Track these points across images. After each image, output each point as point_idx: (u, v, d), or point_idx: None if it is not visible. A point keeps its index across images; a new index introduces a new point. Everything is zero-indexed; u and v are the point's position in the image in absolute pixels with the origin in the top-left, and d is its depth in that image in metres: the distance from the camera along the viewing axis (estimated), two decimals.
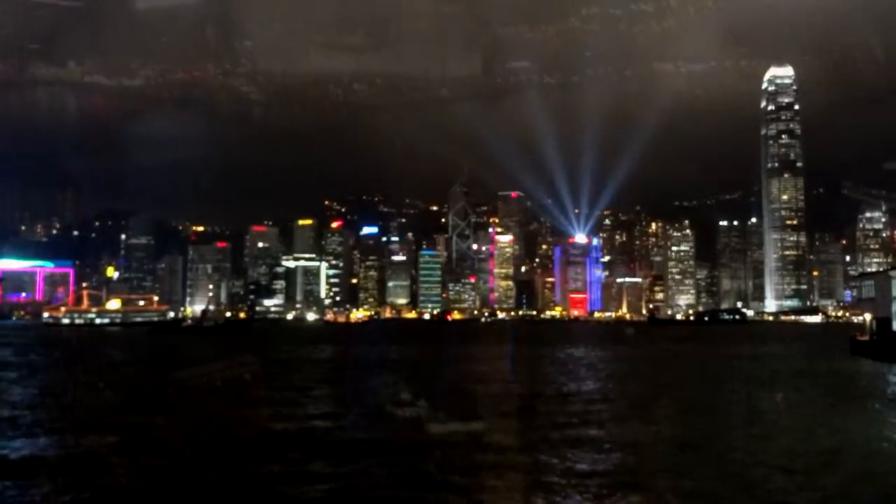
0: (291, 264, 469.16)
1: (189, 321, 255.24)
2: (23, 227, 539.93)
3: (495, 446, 28.44)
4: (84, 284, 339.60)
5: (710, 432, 30.63)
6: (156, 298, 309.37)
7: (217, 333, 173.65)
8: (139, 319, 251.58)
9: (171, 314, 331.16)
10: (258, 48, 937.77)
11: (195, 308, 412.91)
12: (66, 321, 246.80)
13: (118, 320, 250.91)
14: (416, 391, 41.77)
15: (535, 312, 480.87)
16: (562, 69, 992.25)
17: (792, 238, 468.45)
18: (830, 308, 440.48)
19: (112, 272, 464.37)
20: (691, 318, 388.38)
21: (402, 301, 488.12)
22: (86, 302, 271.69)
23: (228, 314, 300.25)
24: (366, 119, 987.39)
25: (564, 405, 41.11)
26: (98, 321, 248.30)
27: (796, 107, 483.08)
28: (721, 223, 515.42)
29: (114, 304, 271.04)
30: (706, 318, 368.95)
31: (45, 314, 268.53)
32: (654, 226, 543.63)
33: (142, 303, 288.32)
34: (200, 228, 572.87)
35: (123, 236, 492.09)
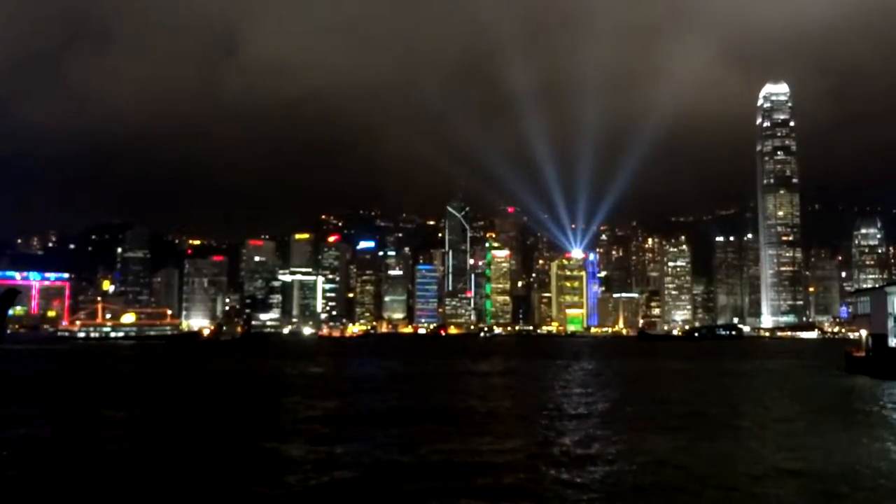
0: (288, 278, 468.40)
1: (206, 335, 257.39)
2: (18, 241, 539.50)
3: None
4: (98, 298, 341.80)
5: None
6: (169, 312, 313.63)
7: (235, 347, 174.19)
8: (153, 333, 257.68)
9: (185, 328, 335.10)
10: (257, 65, 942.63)
11: (191, 322, 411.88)
12: (81, 335, 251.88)
13: (132, 334, 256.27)
14: None
15: (531, 327, 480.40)
16: (559, 86, 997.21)
17: (788, 254, 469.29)
18: (826, 324, 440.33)
19: (108, 285, 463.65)
20: (696, 333, 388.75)
21: (398, 315, 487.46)
22: (100, 315, 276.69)
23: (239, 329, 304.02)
24: (364, 134, 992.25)
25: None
26: (113, 335, 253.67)
27: (791, 123, 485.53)
28: (717, 239, 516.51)
29: (128, 317, 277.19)
30: (696, 334, 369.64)
31: (62, 327, 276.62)
32: (650, 241, 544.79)
33: (155, 317, 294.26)
34: (197, 242, 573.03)
35: (119, 249, 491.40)
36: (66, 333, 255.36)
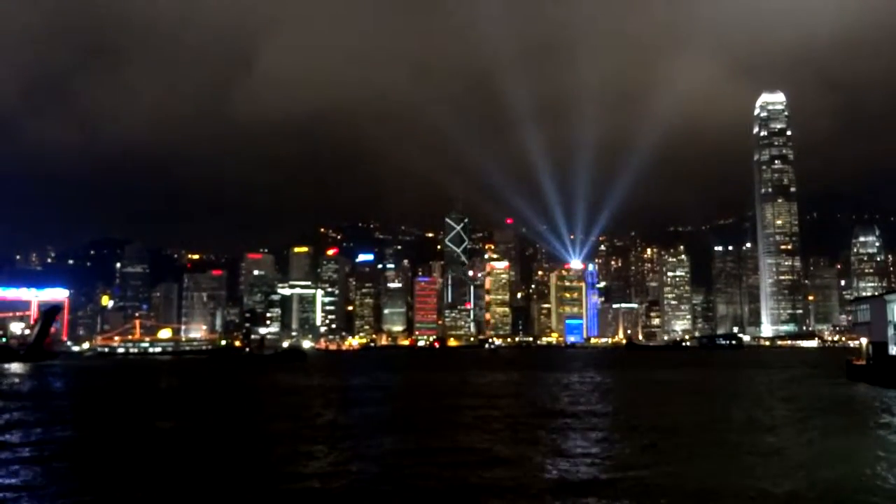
0: (287, 292, 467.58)
1: (247, 350, 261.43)
2: (17, 256, 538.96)
3: None
4: (135, 318, 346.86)
5: None
6: (203, 328, 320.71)
7: (280, 361, 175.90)
8: (188, 348, 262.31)
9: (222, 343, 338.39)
10: (266, 84, 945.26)
11: (190, 335, 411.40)
12: (120, 350, 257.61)
13: (170, 349, 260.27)
14: None
15: (531, 339, 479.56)
16: (559, 99, 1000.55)
17: (787, 263, 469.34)
18: (826, 332, 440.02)
19: (107, 300, 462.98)
20: (685, 343, 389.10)
21: (398, 328, 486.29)
22: (138, 331, 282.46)
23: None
24: (364, 148, 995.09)
25: None
26: (151, 350, 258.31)
27: (789, 132, 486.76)
28: (716, 248, 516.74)
29: (165, 333, 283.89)
30: (683, 344, 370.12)
31: (99, 343, 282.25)
32: (649, 251, 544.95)
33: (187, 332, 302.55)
34: (196, 256, 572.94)
35: (118, 264, 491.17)
36: (106, 349, 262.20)
